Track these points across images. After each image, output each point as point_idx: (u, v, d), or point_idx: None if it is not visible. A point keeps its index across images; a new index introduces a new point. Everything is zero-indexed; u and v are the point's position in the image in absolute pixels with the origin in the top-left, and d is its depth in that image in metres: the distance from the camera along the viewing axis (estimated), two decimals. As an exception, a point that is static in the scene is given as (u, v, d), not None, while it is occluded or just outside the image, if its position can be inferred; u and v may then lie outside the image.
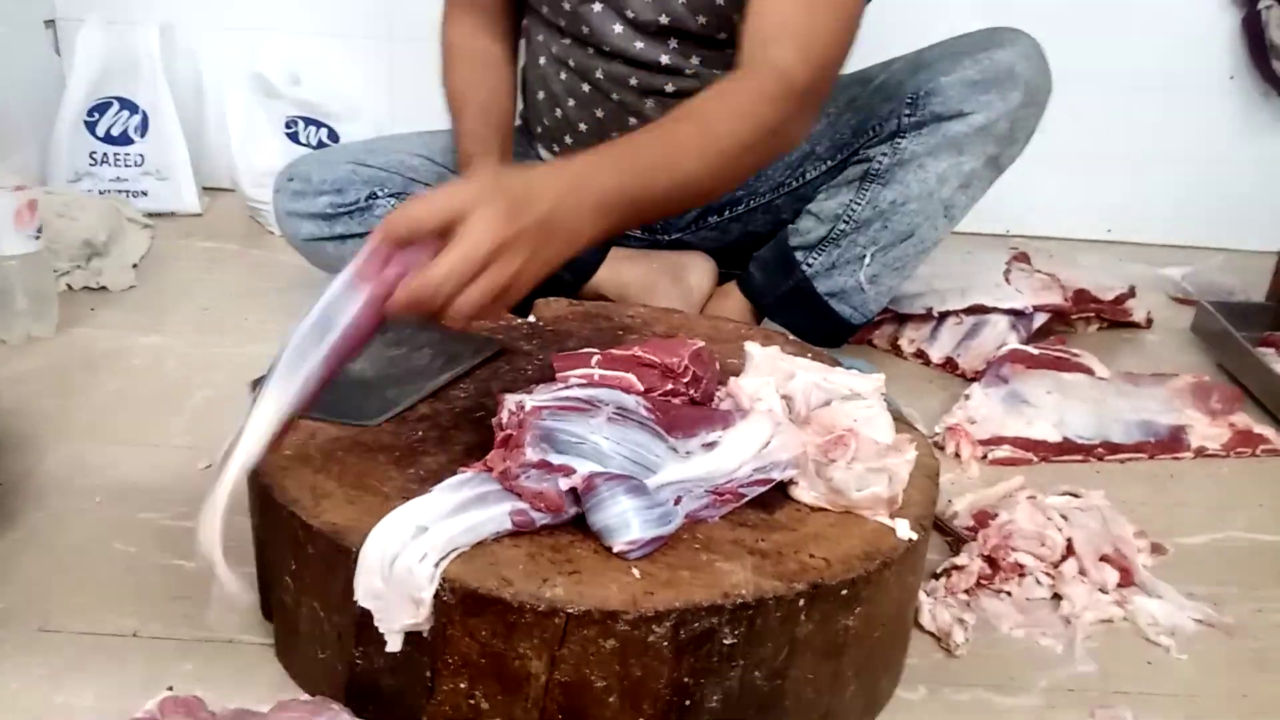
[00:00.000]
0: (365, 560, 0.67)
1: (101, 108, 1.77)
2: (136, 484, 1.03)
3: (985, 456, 1.17)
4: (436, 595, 0.66)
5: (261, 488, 0.76)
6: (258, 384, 0.73)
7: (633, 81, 1.19)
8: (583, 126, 1.25)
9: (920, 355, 1.41)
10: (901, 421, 0.86)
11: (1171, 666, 0.88)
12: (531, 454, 0.70)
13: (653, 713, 0.68)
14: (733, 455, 0.76)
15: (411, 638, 0.68)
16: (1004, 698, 0.83)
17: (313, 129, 1.82)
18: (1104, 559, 0.96)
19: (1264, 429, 1.24)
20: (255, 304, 1.47)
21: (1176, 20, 1.81)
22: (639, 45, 1.17)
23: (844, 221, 1.22)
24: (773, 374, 0.85)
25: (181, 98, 1.80)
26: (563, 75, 1.24)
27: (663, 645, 0.66)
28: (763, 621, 0.67)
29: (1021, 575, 0.95)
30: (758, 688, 0.70)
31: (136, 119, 1.79)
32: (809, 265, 1.24)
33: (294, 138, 1.80)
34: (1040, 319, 1.42)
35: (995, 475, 1.13)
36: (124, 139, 1.79)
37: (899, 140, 1.17)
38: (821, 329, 1.28)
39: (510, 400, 0.76)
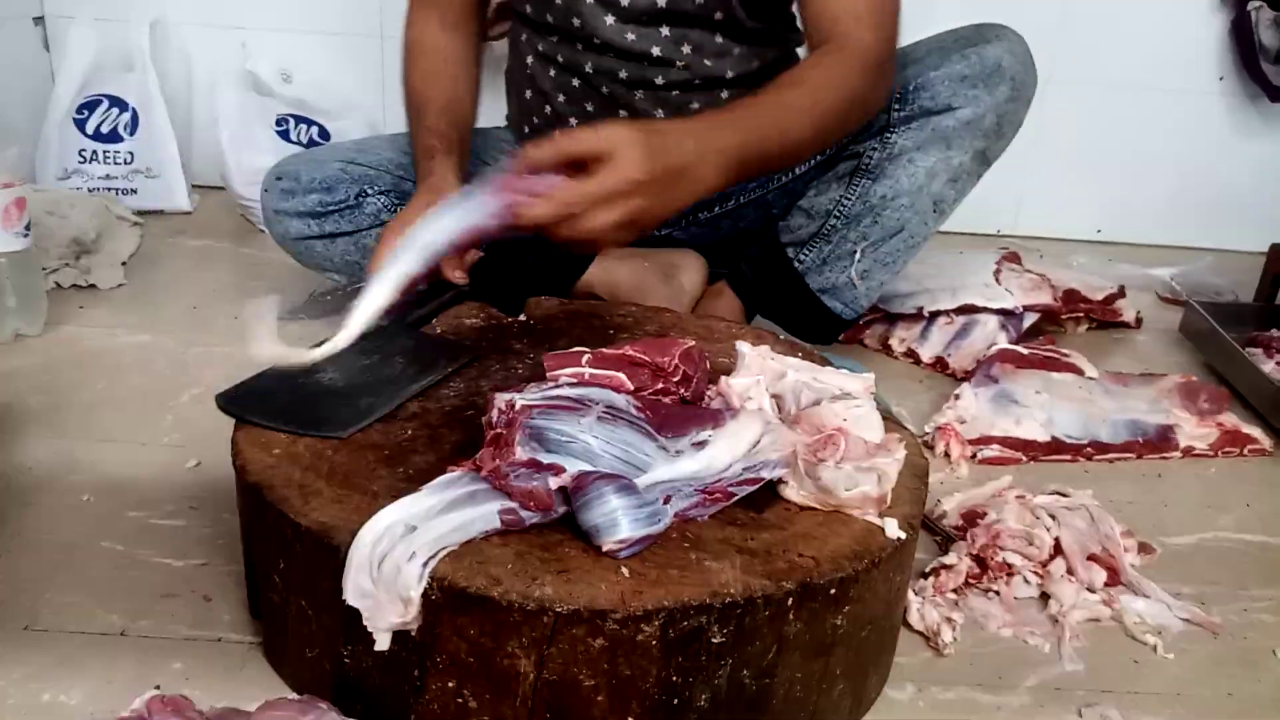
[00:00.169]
0: (354, 559, 0.67)
1: (91, 105, 1.77)
2: (125, 482, 1.03)
3: (974, 456, 1.18)
4: (425, 594, 0.66)
5: (250, 486, 0.76)
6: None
7: (623, 74, 1.20)
8: (573, 121, 1.25)
9: (911, 355, 1.41)
10: (891, 421, 0.86)
11: (1158, 665, 0.88)
12: (521, 453, 0.70)
13: (641, 712, 0.68)
14: (722, 454, 0.76)
15: (400, 637, 0.68)
16: (992, 696, 0.84)
17: (304, 127, 1.81)
18: (1092, 558, 0.97)
19: (1251, 429, 1.24)
20: (245, 302, 1.46)
21: (1166, 22, 1.82)
22: (630, 37, 1.17)
23: (835, 217, 1.22)
24: (763, 373, 0.85)
25: (172, 95, 1.80)
26: (552, 72, 1.24)
27: (651, 644, 0.66)
28: (751, 620, 0.67)
29: (1010, 574, 0.95)
30: (746, 686, 0.70)
31: (126, 116, 1.78)
32: (800, 261, 1.25)
33: (285, 135, 1.80)
34: (1030, 319, 1.42)
35: (984, 474, 1.13)
36: (114, 136, 1.78)
37: (889, 135, 1.17)
38: (813, 325, 1.28)
39: (500, 399, 0.76)
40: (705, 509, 0.74)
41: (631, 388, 0.82)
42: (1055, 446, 1.19)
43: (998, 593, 0.94)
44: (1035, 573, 0.96)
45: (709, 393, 0.86)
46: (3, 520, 0.96)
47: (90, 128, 1.77)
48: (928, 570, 0.95)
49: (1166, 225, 1.94)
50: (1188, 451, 1.22)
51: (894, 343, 1.43)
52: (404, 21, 1.27)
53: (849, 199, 1.21)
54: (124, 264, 1.54)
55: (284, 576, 0.74)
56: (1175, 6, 1.81)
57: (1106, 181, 1.92)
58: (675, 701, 0.68)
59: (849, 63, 1.03)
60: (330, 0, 1.82)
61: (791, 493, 0.77)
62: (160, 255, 1.61)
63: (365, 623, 0.67)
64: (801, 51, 1.29)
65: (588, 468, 0.71)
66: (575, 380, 0.82)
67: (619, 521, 0.68)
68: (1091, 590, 0.95)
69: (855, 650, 0.75)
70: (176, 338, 1.35)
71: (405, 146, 1.31)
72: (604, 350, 0.85)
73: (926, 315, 1.41)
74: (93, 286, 1.47)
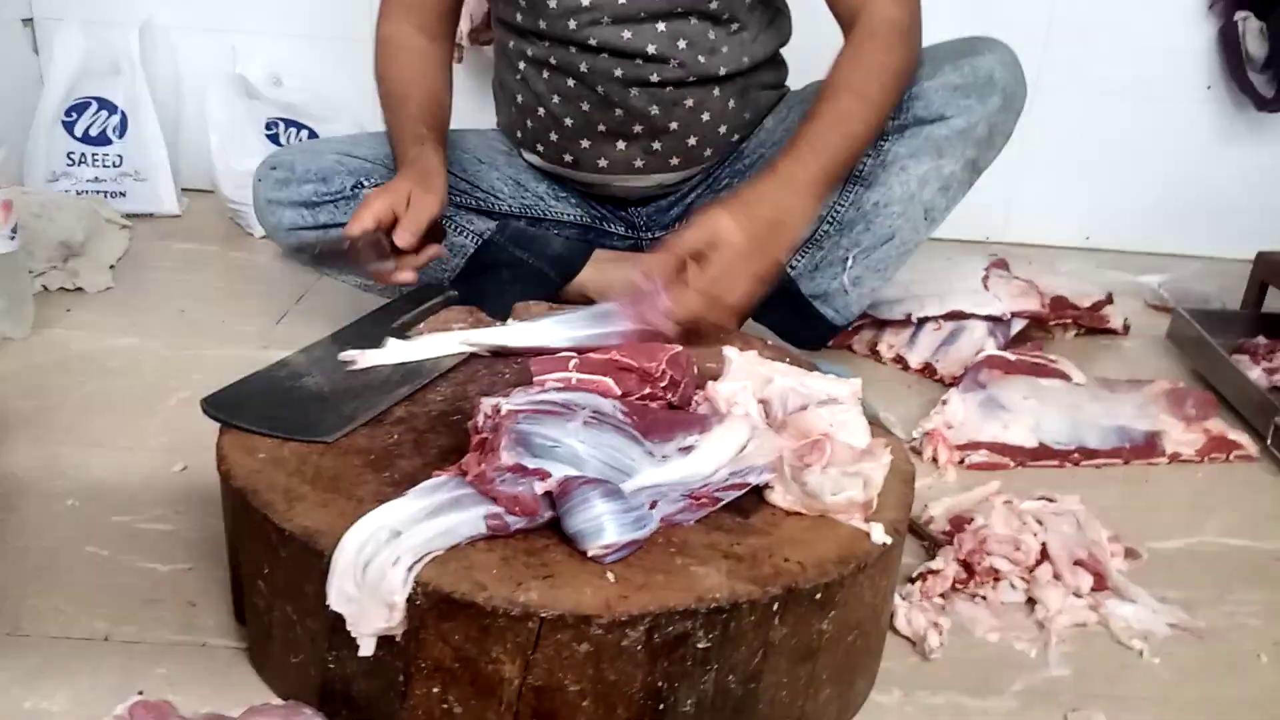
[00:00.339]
0: (338, 564, 0.67)
1: (80, 108, 1.76)
2: (110, 486, 1.02)
3: (962, 461, 1.18)
4: (410, 599, 0.66)
5: (235, 491, 0.75)
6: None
7: (618, 73, 1.20)
8: (568, 121, 1.25)
9: (899, 360, 1.42)
10: (878, 426, 0.87)
11: (1145, 670, 0.89)
12: (507, 457, 0.70)
13: (626, 717, 0.68)
14: (709, 459, 0.76)
15: (384, 642, 0.68)
16: (978, 701, 0.84)
17: (293, 131, 1.81)
18: (1078, 563, 0.97)
19: (1238, 435, 1.25)
20: (233, 306, 1.46)
21: (1155, 31, 1.82)
22: (626, 35, 1.18)
23: (827, 223, 1.22)
24: (750, 378, 0.85)
25: (161, 98, 1.79)
26: (545, 75, 1.24)
27: (636, 649, 0.66)
28: (737, 625, 0.67)
29: (996, 579, 0.95)
30: (731, 691, 0.70)
31: (115, 119, 1.78)
32: (793, 267, 1.25)
33: (274, 139, 1.80)
34: (1018, 325, 1.43)
35: (972, 480, 1.13)
36: (102, 139, 1.78)
37: (882, 142, 1.18)
38: (805, 330, 1.28)
39: (486, 403, 0.75)
40: (691, 514, 0.74)
41: (618, 392, 0.82)
42: (1042, 452, 1.20)
43: (984, 598, 0.94)
44: (1022, 578, 0.96)
45: (696, 398, 0.86)
46: (-13, 524, 0.96)
47: (79, 130, 1.77)
48: (914, 575, 0.95)
49: (1154, 232, 1.95)
50: (1174, 457, 1.22)
51: (882, 348, 1.43)
52: (376, 18, 1.28)
53: (842, 205, 1.22)
54: (112, 267, 1.53)
55: (269, 581, 0.74)
56: (1163, 16, 1.82)
57: (1095, 188, 1.93)
58: (661, 707, 0.68)
59: (880, 44, 1.11)
60: (320, 4, 1.82)
61: (778, 498, 0.77)
62: (148, 259, 1.61)
63: (350, 628, 0.67)
64: (798, 45, 1.31)
65: (574, 472, 0.71)
66: (562, 385, 0.82)
67: (604, 526, 0.68)
68: (1078, 595, 0.95)
69: (841, 655, 0.75)
70: (164, 341, 1.34)
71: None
72: (591, 355, 0.85)
73: (915, 321, 1.41)
74: (80, 290, 1.46)
